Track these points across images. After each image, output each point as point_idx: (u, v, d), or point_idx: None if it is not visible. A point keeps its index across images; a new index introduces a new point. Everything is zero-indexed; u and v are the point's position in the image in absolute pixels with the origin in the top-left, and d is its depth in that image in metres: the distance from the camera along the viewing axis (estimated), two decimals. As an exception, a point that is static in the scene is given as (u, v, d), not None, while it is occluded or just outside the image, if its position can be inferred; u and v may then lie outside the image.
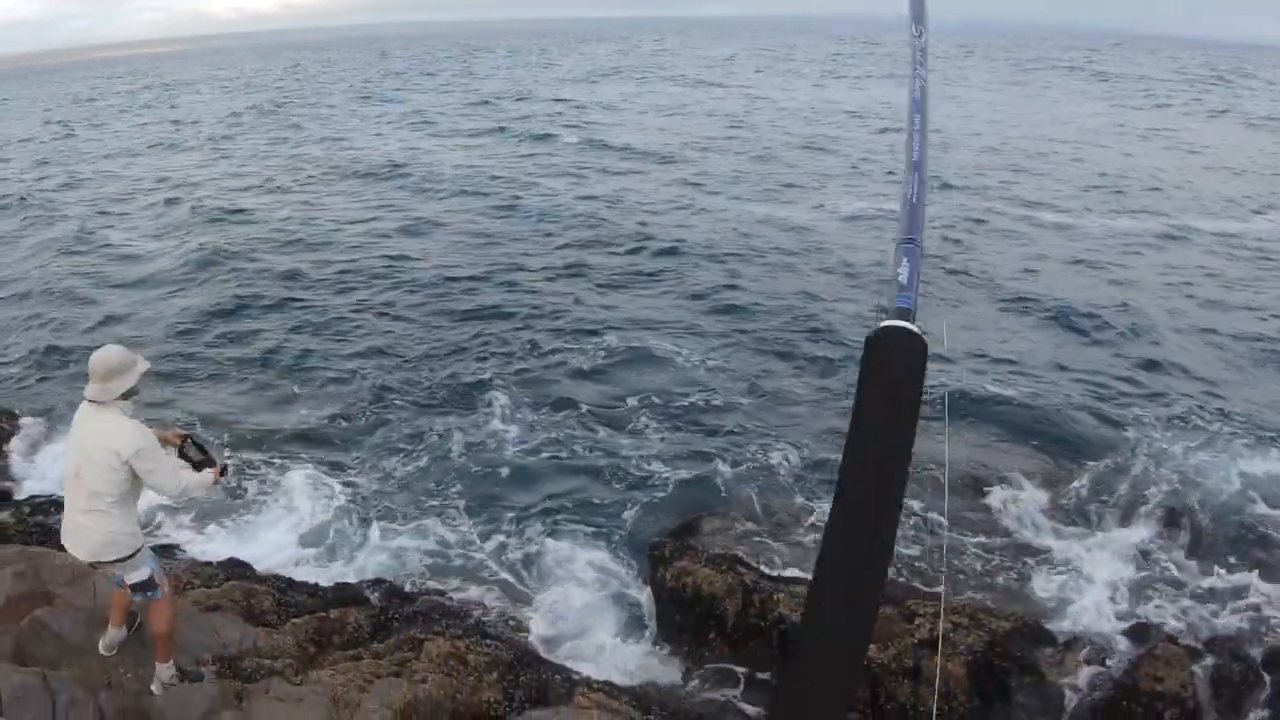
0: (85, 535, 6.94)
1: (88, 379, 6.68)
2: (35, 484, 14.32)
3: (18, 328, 21.86)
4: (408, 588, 11.57)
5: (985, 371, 17.89)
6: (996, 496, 13.46)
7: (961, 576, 11.77)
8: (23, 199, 37.28)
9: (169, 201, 35.33)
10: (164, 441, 7.13)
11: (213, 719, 7.57)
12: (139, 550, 7.16)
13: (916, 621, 9.82)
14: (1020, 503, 13.32)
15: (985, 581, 11.70)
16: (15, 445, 15.62)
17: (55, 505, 13.11)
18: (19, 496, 13.71)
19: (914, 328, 2.09)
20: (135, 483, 6.88)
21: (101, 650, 8.08)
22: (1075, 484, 13.92)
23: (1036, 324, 20.90)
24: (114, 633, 8.14)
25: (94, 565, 7.41)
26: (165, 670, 7.89)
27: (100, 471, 6.71)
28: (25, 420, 16.50)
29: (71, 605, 8.86)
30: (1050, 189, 35.21)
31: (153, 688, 7.86)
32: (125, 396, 6.81)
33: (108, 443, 6.66)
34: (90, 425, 6.80)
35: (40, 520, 12.37)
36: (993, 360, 18.54)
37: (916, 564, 11.85)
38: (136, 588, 7.38)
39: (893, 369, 2.09)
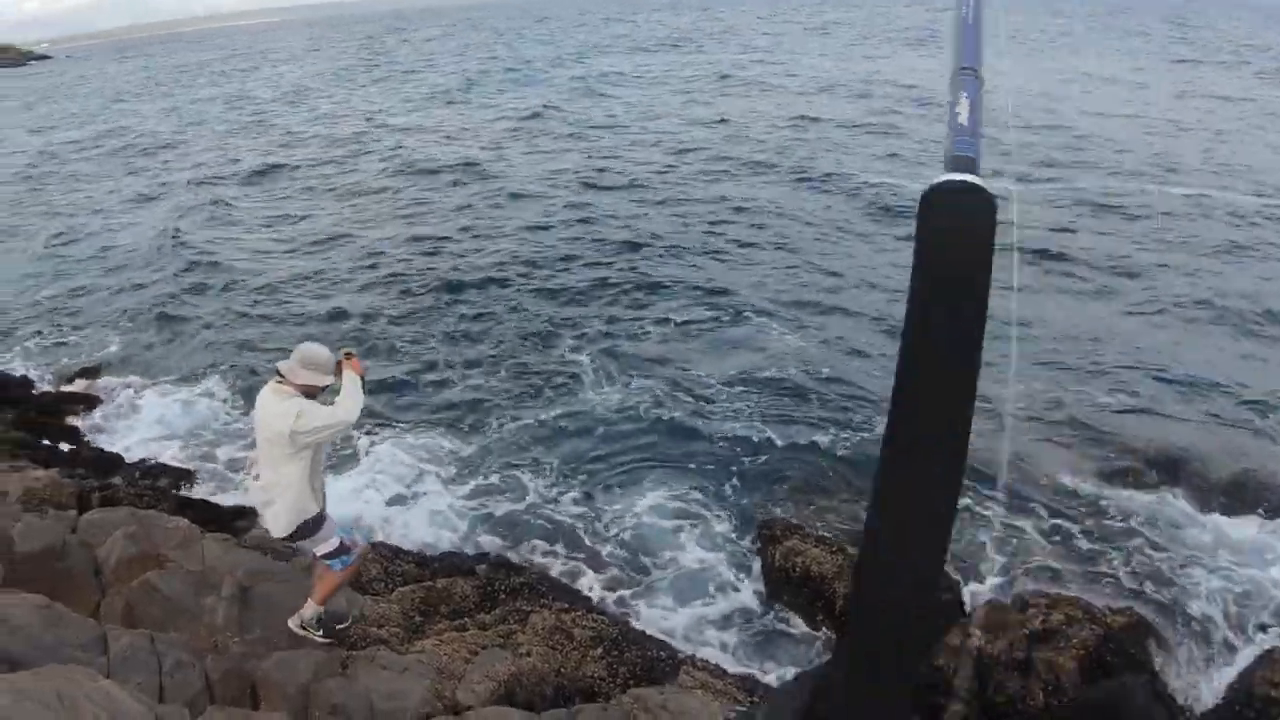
0: (274, 514, 7.42)
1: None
2: (146, 449, 14.52)
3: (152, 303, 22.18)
4: (514, 559, 11.43)
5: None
6: (1114, 470, 12.95)
7: (1072, 565, 11.31)
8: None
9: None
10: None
11: (317, 685, 7.53)
12: (324, 522, 7.65)
13: (1029, 612, 9.50)
14: (1143, 481, 12.76)
15: (1098, 570, 11.24)
16: (129, 410, 15.87)
17: (165, 470, 13.30)
18: (130, 460, 13.90)
19: (978, 181, 1.49)
20: (313, 454, 7.31)
21: (291, 625, 8.29)
22: (1206, 467, 13.23)
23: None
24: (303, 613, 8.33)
25: (287, 541, 7.84)
26: (311, 610, 8.23)
27: (277, 451, 7.17)
28: (141, 386, 16.79)
29: (182, 568, 8.91)
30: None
31: (291, 621, 8.23)
32: (308, 393, 7.24)
33: (276, 425, 7.08)
34: (269, 409, 7.20)
35: (150, 484, 12.53)
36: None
37: (1028, 546, 11.46)
38: (327, 556, 7.82)
39: (954, 235, 1.50)
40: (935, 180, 1.51)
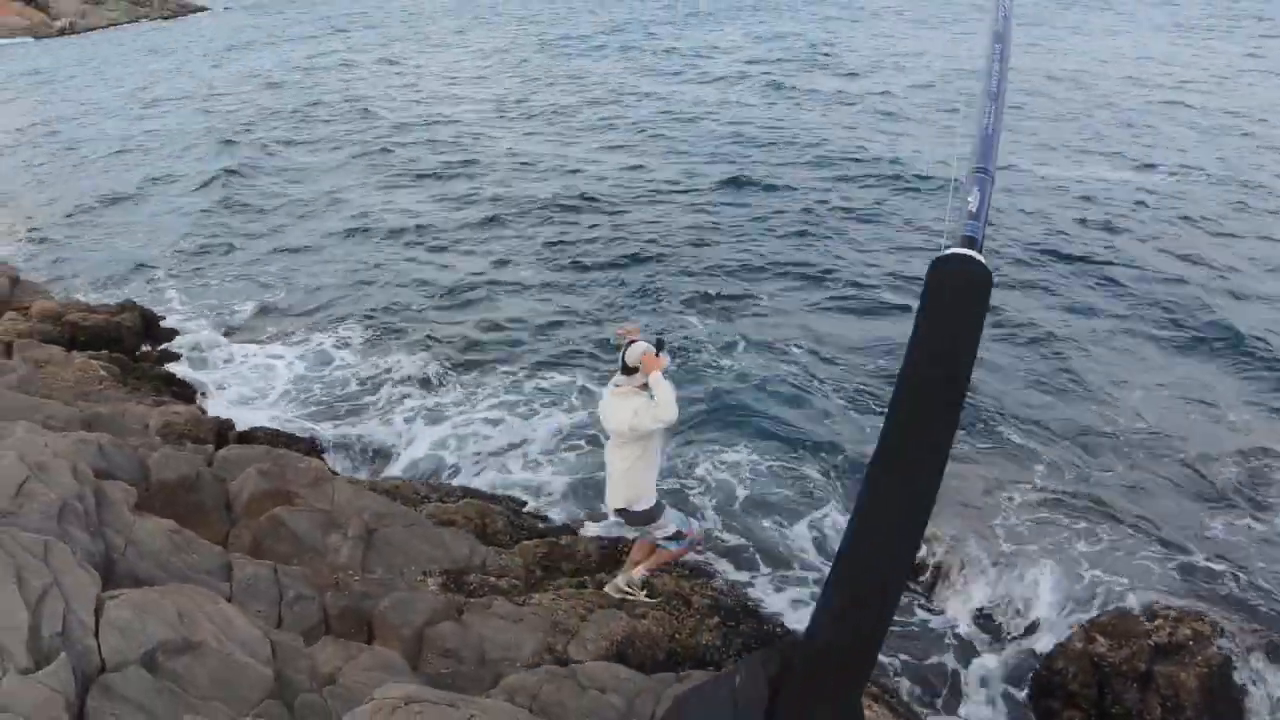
0: (614, 487, 8.41)
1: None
2: (279, 390, 14.90)
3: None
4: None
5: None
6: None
7: (1205, 582, 10.80)
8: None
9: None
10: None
11: (431, 629, 7.60)
12: (661, 511, 8.57)
13: (1156, 623, 9.12)
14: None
15: (1231, 588, 10.73)
16: (271, 355, 16.28)
17: (302, 410, 13.62)
18: (270, 400, 14.30)
19: (979, 257, 1.82)
20: (647, 444, 8.22)
21: (609, 590, 8.95)
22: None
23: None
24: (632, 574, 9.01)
25: (621, 514, 8.64)
26: (638, 574, 8.95)
27: (617, 439, 8.24)
28: (288, 333, 17.21)
29: (311, 506, 9.09)
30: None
31: (611, 587, 8.96)
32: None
33: (618, 421, 8.05)
34: (613, 407, 8.11)
35: (286, 422, 12.82)
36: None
37: (1158, 556, 11.00)
38: (666, 539, 8.73)
39: (955, 297, 1.83)
40: (944, 251, 1.87)
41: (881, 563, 1.85)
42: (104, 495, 7.28)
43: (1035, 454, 12.82)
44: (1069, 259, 19.49)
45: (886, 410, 1.94)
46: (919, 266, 18.97)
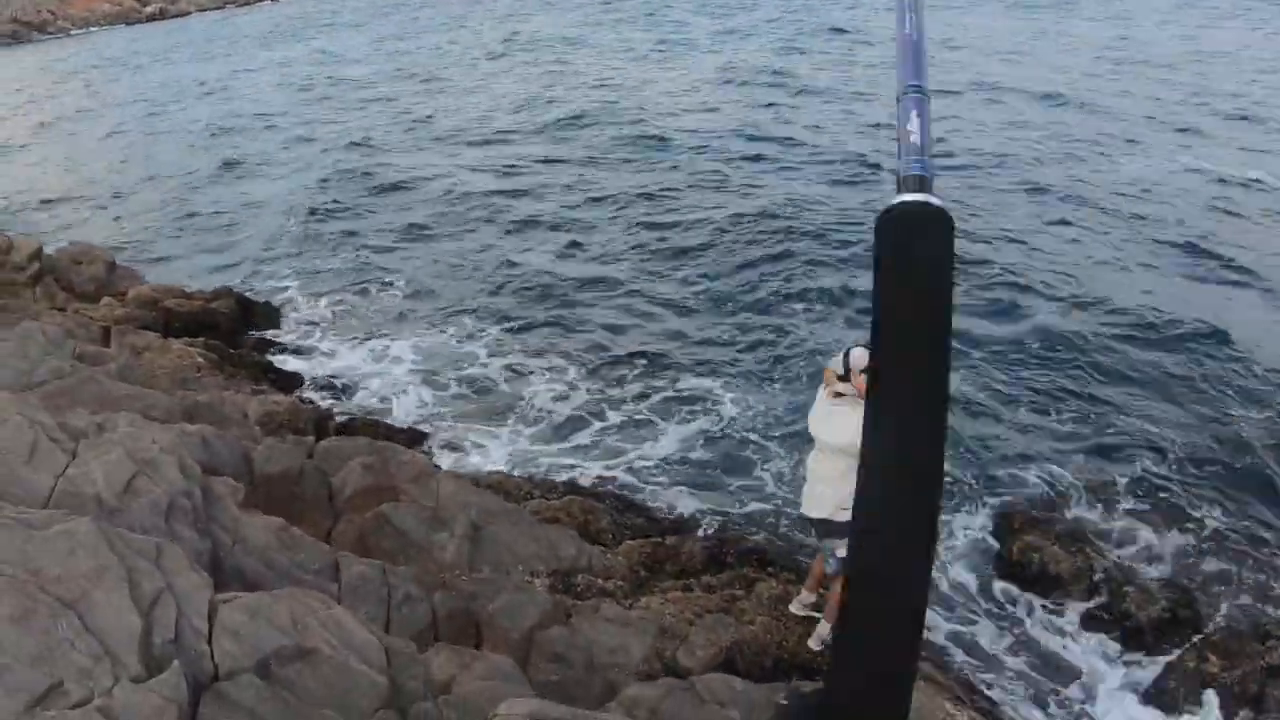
0: (819, 495, 7.66)
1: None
2: (380, 382, 14.82)
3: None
4: (742, 523, 11.14)
5: None
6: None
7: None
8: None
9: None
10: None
11: (541, 632, 7.44)
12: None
13: (1269, 644, 8.73)
14: None
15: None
16: (373, 345, 16.24)
17: (401, 402, 13.51)
18: (368, 390, 14.23)
19: (934, 200, 1.35)
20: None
21: (793, 609, 8.67)
22: None
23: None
24: (806, 596, 8.72)
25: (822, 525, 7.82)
26: (827, 628, 8.27)
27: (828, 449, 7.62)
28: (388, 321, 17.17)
29: (416, 502, 8.96)
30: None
31: (810, 642, 8.36)
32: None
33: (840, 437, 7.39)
34: (834, 417, 7.55)
35: (384, 413, 12.74)
36: None
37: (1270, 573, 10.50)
38: (839, 560, 7.78)
39: (912, 253, 1.37)
40: (892, 201, 1.38)
41: (897, 573, 1.47)
42: (211, 491, 7.16)
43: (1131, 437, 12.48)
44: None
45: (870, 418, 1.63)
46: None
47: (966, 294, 16.76)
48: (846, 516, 7.45)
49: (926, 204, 1.42)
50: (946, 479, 11.87)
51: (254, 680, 5.05)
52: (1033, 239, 19.55)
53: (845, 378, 7.40)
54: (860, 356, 7.23)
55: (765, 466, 12.38)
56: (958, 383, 13.87)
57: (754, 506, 11.62)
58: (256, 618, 5.38)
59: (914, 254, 1.43)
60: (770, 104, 32.76)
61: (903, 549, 1.53)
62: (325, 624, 5.64)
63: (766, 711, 6.67)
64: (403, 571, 7.58)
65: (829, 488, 7.52)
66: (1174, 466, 12.01)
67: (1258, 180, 22.88)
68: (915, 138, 1.53)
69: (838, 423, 7.42)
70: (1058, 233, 19.93)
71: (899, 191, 1.48)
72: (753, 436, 13.10)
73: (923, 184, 1.46)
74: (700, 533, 10.53)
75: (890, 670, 1.56)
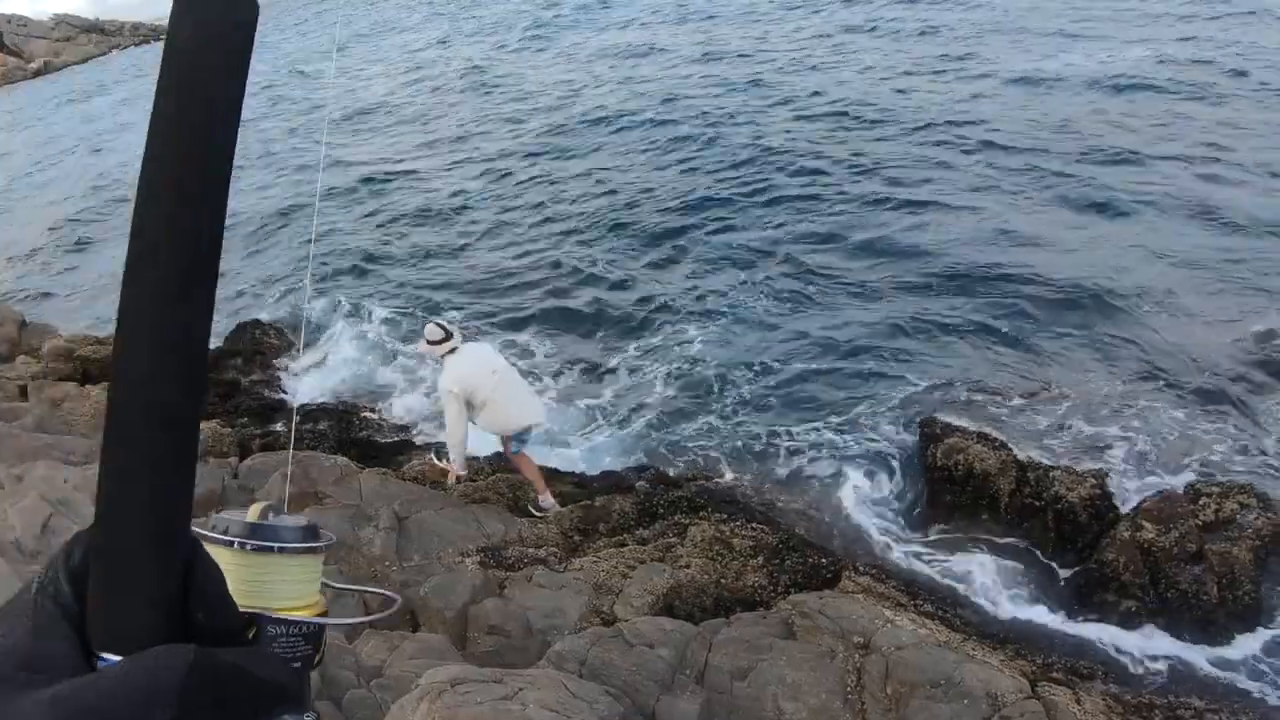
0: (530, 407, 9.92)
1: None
2: (308, 394, 14.82)
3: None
4: (671, 473, 11.34)
5: None
6: None
7: (1244, 452, 10.67)
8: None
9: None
10: None
11: (475, 607, 7.57)
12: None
13: (1201, 501, 9.00)
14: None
15: (1269, 455, 10.59)
16: (286, 360, 16.23)
17: (324, 413, 13.55)
18: (292, 406, 14.22)
19: None
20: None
21: (544, 513, 10.04)
22: None
23: None
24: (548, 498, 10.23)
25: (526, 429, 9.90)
26: (545, 499, 10.05)
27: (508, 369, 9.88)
28: (296, 335, 17.15)
29: (340, 503, 9.05)
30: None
31: (533, 508, 10.08)
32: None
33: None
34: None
35: (310, 427, 12.78)
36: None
37: (1195, 435, 10.88)
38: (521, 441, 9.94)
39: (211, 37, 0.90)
40: None
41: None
42: (129, 522, 7.22)
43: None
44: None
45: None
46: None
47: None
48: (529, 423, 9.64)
49: None
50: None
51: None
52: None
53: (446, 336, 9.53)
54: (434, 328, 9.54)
55: (686, 421, 12.62)
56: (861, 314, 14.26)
57: (679, 459, 11.84)
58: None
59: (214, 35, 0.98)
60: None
61: None
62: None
63: (702, 647, 6.84)
64: (330, 570, 7.66)
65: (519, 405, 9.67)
66: (1079, 371, 12.42)
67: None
68: None
69: (489, 352, 9.93)
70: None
71: None
72: (670, 394, 13.34)
73: None
74: (630, 489, 10.68)
75: None
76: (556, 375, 14.52)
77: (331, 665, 5.92)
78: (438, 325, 9.52)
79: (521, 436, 9.80)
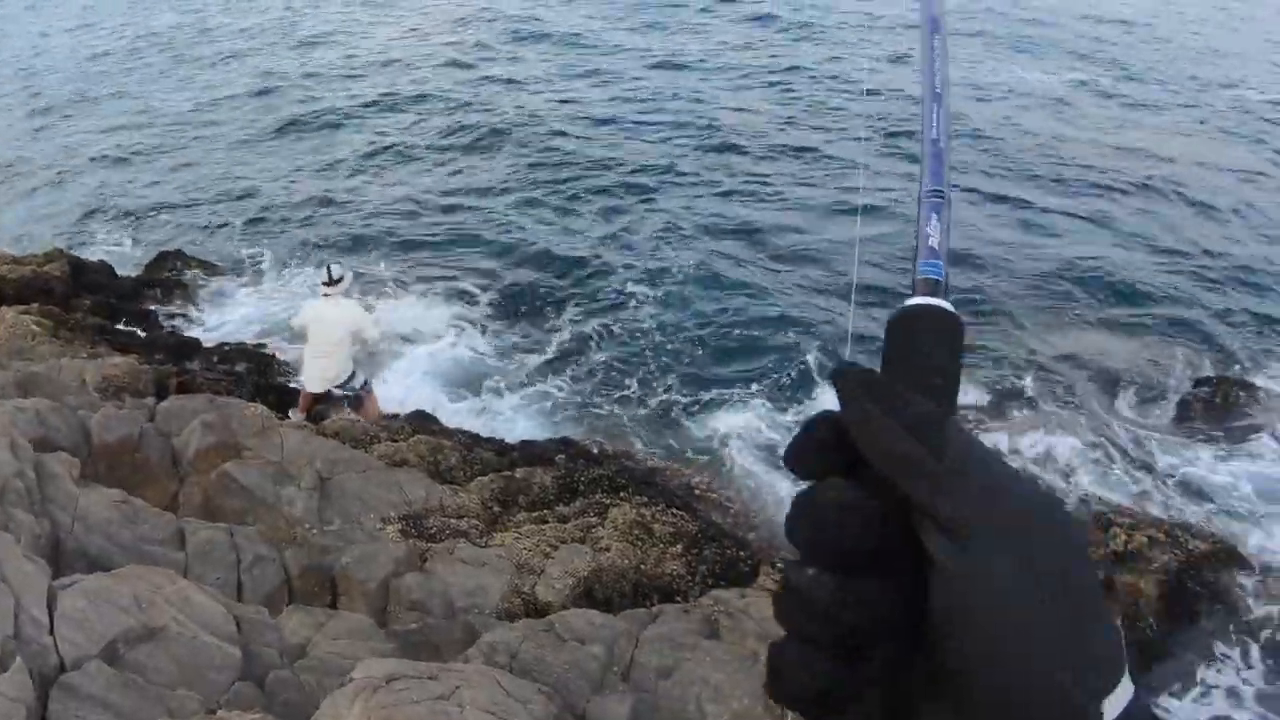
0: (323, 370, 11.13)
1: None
2: (224, 333, 14.48)
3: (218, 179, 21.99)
4: (594, 450, 11.28)
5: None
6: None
7: (1162, 490, 10.94)
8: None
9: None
10: None
11: (396, 580, 7.47)
12: (353, 374, 11.36)
13: (1111, 531, 9.20)
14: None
15: (1184, 497, 10.87)
16: (206, 295, 15.83)
17: (243, 354, 13.24)
18: (208, 345, 13.86)
19: (946, 305, 1.31)
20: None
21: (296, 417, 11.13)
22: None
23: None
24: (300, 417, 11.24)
25: (327, 392, 11.36)
26: (297, 414, 11.35)
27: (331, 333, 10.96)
28: (220, 271, 16.74)
29: (261, 458, 8.83)
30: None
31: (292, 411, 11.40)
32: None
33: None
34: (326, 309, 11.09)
35: (228, 369, 12.48)
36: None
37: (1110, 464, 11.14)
38: (361, 389, 11.46)
39: (923, 359, 1.29)
40: (905, 304, 1.36)
41: None
42: (45, 469, 7.00)
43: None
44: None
45: None
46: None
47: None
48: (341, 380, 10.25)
49: (939, 309, 1.38)
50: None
51: (102, 667, 5.02)
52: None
53: (331, 284, 10.93)
54: (337, 270, 11.13)
55: (606, 393, 12.58)
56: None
57: (602, 432, 11.79)
58: (98, 601, 5.33)
59: (925, 361, 1.36)
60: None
61: None
62: (171, 600, 5.62)
63: (629, 642, 6.82)
64: (250, 531, 7.51)
65: (332, 362, 11.00)
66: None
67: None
68: (933, 241, 1.49)
69: (330, 314, 10.93)
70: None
71: (915, 293, 1.44)
72: (597, 365, 13.27)
73: (937, 288, 1.42)
74: (551, 462, 10.60)
75: None
76: (484, 332, 14.37)
77: (254, 642, 5.77)
78: (327, 269, 11.21)
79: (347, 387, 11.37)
